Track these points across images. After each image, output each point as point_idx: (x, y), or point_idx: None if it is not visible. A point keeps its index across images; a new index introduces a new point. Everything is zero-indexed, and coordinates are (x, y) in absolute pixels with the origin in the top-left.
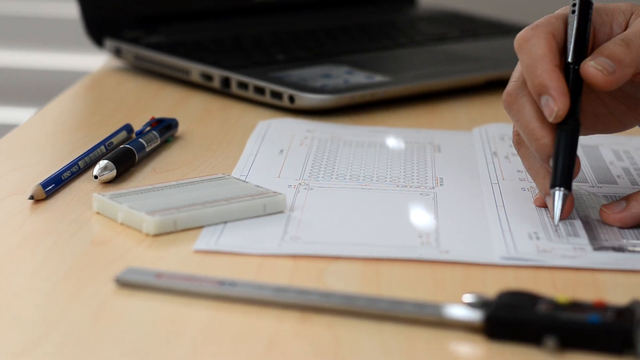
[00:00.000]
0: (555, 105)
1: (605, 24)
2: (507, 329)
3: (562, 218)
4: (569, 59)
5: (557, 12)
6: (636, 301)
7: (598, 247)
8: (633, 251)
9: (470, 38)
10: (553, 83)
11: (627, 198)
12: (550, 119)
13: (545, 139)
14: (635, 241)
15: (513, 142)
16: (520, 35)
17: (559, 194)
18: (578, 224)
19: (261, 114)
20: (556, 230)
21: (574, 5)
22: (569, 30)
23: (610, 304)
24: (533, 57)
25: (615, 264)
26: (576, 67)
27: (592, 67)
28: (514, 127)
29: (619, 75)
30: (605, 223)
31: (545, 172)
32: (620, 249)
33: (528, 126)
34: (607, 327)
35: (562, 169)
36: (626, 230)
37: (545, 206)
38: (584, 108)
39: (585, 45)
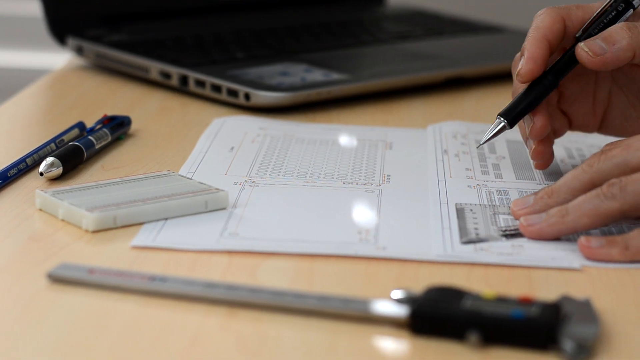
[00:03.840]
0: (522, 66)
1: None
2: (431, 324)
3: (536, 136)
4: (577, 34)
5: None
6: (564, 297)
7: (465, 240)
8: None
9: (434, 36)
10: (531, 48)
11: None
12: (516, 77)
13: (516, 89)
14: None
15: None
16: (538, 11)
17: (497, 122)
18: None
19: (218, 111)
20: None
21: None
22: (593, 15)
23: (537, 299)
24: (533, 26)
25: (551, 262)
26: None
27: (580, 49)
28: None
29: (609, 57)
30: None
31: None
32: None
33: (512, 72)
34: (529, 322)
35: (511, 104)
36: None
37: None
38: (611, 111)
39: (599, 29)
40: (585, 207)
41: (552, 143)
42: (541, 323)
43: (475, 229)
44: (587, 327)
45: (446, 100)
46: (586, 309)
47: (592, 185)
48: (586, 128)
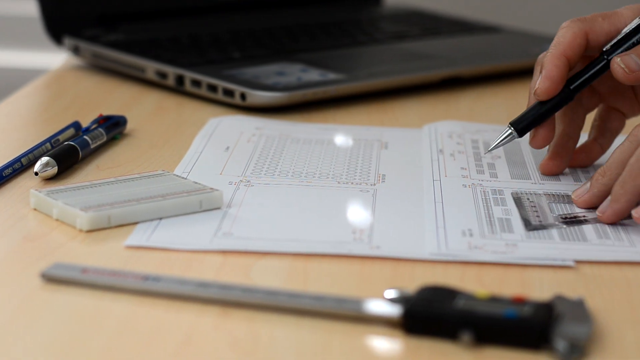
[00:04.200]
0: (540, 85)
1: None
2: (424, 324)
3: (536, 147)
4: (606, 47)
5: (618, 10)
6: (557, 296)
7: (531, 228)
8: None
9: (431, 36)
10: (549, 66)
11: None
12: (533, 94)
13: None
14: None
15: None
16: (565, 22)
17: (506, 130)
18: (515, 220)
19: (214, 111)
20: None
21: None
22: (626, 27)
23: (530, 299)
24: (555, 42)
25: (544, 260)
26: (606, 57)
27: (616, 64)
28: None
29: None
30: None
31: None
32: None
33: (530, 89)
34: (522, 322)
35: (523, 114)
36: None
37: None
38: (625, 91)
39: (629, 45)
40: (636, 167)
41: (566, 160)
42: (534, 323)
43: (537, 216)
44: (579, 327)
45: (442, 99)
46: (579, 309)
47: None
48: (631, 113)
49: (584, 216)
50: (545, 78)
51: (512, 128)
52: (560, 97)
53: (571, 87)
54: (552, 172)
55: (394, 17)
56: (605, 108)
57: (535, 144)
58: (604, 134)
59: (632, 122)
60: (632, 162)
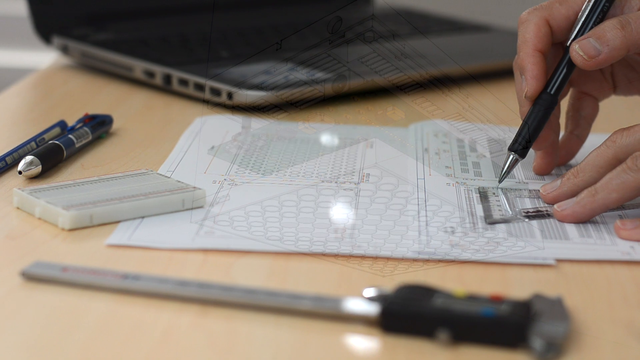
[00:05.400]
0: (527, 86)
1: (620, 4)
2: (401, 322)
3: (539, 173)
4: (569, 40)
5: None
6: (536, 295)
7: (491, 221)
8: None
9: (420, 35)
10: (529, 66)
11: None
12: (523, 97)
13: (523, 108)
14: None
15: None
16: (521, 15)
17: (509, 157)
18: (498, 218)
19: (201, 110)
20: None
21: None
22: (580, 13)
23: (509, 297)
24: (521, 39)
25: (526, 259)
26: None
27: (574, 51)
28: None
29: (603, 57)
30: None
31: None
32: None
33: (517, 94)
34: (499, 321)
35: (517, 136)
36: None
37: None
38: (617, 73)
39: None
40: (613, 183)
41: (556, 155)
42: (511, 321)
43: (499, 210)
44: (557, 326)
45: (429, 98)
46: (558, 307)
47: (616, 160)
48: (602, 95)
49: (546, 210)
50: (531, 79)
51: (513, 153)
52: (545, 107)
53: (552, 92)
54: (546, 170)
55: (382, 16)
56: (577, 95)
57: (536, 146)
58: (579, 123)
59: (606, 113)
60: (610, 178)
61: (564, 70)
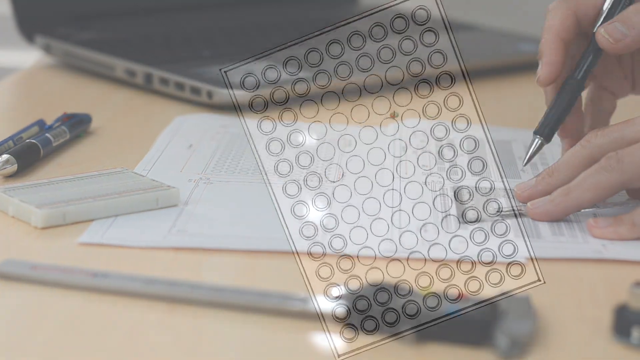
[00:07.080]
0: (541, 72)
1: None
2: (367, 321)
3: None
4: (595, 27)
5: None
6: (503, 293)
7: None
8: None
9: (405, 34)
10: (547, 52)
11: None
12: (536, 82)
13: (547, 95)
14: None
15: None
16: (551, 4)
17: (534, 141)
18: (472, 217)
19: (182, 110)
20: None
21: None
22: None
23: (475, 295)
24: (546, 26)
25: (499, 258)
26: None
27: (600, 35)
28: None
29: (629, 41)
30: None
31: None
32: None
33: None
34: (464, 319)
35: (543, 119)
36: None
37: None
38: (637, 71)
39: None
40: (587, 182)
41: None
42: (475, 319)
43: (473, 209)
44: (522, 324)
45: (415, 98)
46: (524, 306)
47: (591, 160)
48: (621, 92)
49: (520, 209)
50: (545, 64)
51: (539, 137)
52: (572, 91)
53: (578, 78)
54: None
55: (368, 16)
56: (595, 89)
57: (563, 134)
58: (598, 118)
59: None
60: (584, 177)
61: (590, 57)
